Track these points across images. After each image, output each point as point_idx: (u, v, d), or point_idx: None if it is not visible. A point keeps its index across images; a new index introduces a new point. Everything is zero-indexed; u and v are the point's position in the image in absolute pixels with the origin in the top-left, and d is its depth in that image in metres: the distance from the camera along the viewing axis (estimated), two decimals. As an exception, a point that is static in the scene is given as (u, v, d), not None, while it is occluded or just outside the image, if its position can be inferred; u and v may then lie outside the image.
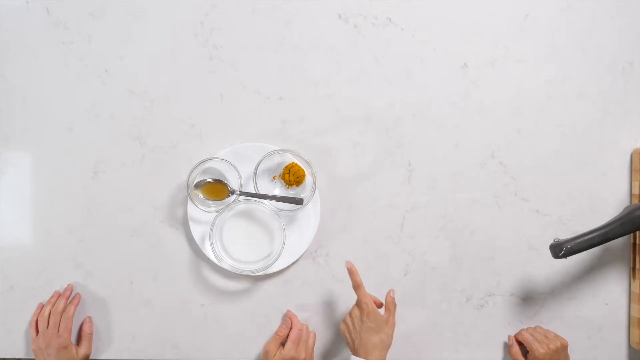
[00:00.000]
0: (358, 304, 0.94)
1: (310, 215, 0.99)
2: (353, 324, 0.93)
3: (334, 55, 1.01)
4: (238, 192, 0.97)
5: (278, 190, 1.00)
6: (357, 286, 0.94)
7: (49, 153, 1.02)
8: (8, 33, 1.01)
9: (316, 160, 1.00)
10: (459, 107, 1.01)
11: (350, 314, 0.95)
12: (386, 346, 0.92)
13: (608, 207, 1.02)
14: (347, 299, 1.02)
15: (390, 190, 1.01)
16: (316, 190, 0.98)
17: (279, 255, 0.97)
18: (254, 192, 0.96)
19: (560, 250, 0.91)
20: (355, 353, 0.92)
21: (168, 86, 1.01)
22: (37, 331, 0.99)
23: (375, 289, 1.02)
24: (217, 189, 0.98)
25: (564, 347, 0.96)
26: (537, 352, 0.94)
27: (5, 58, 1.01)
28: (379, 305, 0.97)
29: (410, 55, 1.01)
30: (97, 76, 1.01)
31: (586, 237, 0.92)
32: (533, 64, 1.01)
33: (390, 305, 0.95)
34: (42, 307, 1.00)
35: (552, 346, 0.95)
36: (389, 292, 0.96)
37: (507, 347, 1.02)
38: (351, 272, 0.94)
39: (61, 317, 0.98)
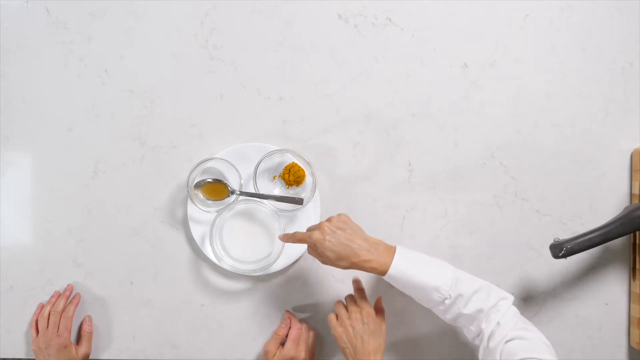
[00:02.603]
0: (360, 307, 0.91)
1: (310, 215, 0.99)
2: (354, 328, 0.89)
3: (334, 55, 1.01)
4: (238, 192, 0.97)
5: (278, 190, 1.00)
6: (359, 290, 0.93)
7: (49, 153, 1.02)
8: (8, 33, 1.01)
9: (316, 160, 1.00)
10: (459, 107, 1.01)
11: (349, 317, 0.90)
12: (383, 351, 0.90)
13: (608, 207, 1.02)
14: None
15: (390, 190, 1.01)
16: (316, 190, 0.98)
17: (279, 255, 0.97)
18: (254, 192, 0.97)
19: (560, 250, 0.91)
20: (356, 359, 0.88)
21: (168, 86, 1.01)
22: (38, 331, 0.99)
23: (375, 289, 1.02)
24: (217, 189, 0.98)
25: (339, 218, 0.87)
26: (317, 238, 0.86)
27: (5, 58, 1.01)
28: None
29: (410, 55, 1.01)
30: (97, 76, 1.01)
31: (586, 237, 0.92)
32: (533, 64, 1.01)
33: (381, 310, 0.93)
34: (42, 307, 1.01)
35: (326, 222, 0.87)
36: (378, 298, 0.95)
37: None
38: (356, 282, 0.94)
39: (61, 316, 0.98)
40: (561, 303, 1.02)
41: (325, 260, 0.86)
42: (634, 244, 1.01)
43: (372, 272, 0.86)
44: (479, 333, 0.84)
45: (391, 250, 0.86)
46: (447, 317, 0.86)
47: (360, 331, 0.88)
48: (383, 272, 0.85)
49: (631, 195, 1.02)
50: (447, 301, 0.83)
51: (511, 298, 0.85)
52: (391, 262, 0.84)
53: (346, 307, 0.93)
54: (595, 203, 1.02)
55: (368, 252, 0.84)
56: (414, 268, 0.84)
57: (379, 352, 0.88)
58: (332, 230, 0.85)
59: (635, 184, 1.00)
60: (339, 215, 0.88)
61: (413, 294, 0.86)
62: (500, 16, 1.01)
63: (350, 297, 0.94)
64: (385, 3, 1.00)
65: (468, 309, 0.83)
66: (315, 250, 0.87)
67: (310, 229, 0.89)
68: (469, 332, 0.86)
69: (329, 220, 0.87)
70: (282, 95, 1.01)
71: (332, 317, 0.92)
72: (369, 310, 0.91)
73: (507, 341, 0.78)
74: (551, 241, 0.94)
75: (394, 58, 1.01)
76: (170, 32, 1.01)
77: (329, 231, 0.85)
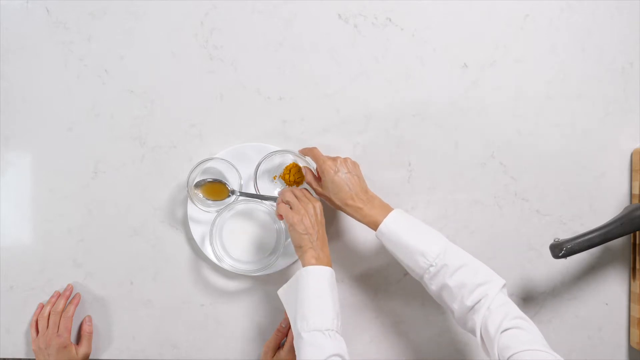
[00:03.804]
0: (309, 200, 0.90)
1: (310, 215, 0.99)
2: (310, 217, 0.88)
3: (334, 55, 1.01)
4: (238, 193, 0.97)
5: (278, 190, 1.00)
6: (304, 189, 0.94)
7: (49, 153, 1.02)
8: (8, 33, 1.01)
9: (316, 160, 1.00)
10: (459, 107, 1.01)
11: (303, 207, 0.89)
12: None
13: (608, 207, 1.02)
14: (347, 299, 1.02)
15: (390, 190, 1.01)
16: (316, 190, 0.98)
17: (279, 256, 0.97)
18: (254, 192, 0.96)
19: (560, 250, 0.91)
20: (315, 249, 0.87)
21: (168, 86, 1.01)
22: (38, 331, 0.99)
23: (375, 289, 1.02)
24: (217, 189, 0.98)
25: (354, 163, 0.93)
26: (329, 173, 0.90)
27: (5, 58, 1.01)
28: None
29: (410, 55, 1.01)
30: (97, 76, 1.01)
31: (586, 237, 0.92)
32: (533, 64, 1.01)
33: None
34: (42, 307, 1.00)
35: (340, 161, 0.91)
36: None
37: None
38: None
39: (61, 316, 0.98)
40: (561, 303, 1.02)
41: (324, 189, 0.91)
42: (634, 244, 1.01)
43: (363, 223, 0.89)
44: (465, 313, 0.82)
45: (386, 209, 0.89)
46: (433, 288, 0.85)
47: (316, 223, 0.89)
48: (374, 226, 0.88)
49: (631, 195, 1.02)
50: (432, 269, 0.84)
51: (501, 281, 0.83)
52: (382, 219, 0.87)
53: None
54: (595, 203, 1.02)
55: (361, 201, 0.89)
56: (406, 230, 0.87)
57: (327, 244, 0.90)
58: (344, 168, 0.90)
59: (635, 184, 1.00)
60: (354, 161, 0.93)
61: (401, 256, 0.87)
62: (500, 16, 1.01)
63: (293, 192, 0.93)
64: (385, 3, 1.00)
65: (452, 281, 0.82)
66: (321, 176, 0.91)
67: (325, 157, 0.92)
68: (454, 311, 0.84)
69: (345, 159, 0.92)
70: (282, 95, 1.01)
71: (284, 206, 0.90)
72: (319, 204, 0.91)
73: (502, 331, 0.77)
74: (551, 241, 0.94)
75: (394, 58, 1.01)
76: (170, 32, 1.01)
77: (340, 167, 0.90)
